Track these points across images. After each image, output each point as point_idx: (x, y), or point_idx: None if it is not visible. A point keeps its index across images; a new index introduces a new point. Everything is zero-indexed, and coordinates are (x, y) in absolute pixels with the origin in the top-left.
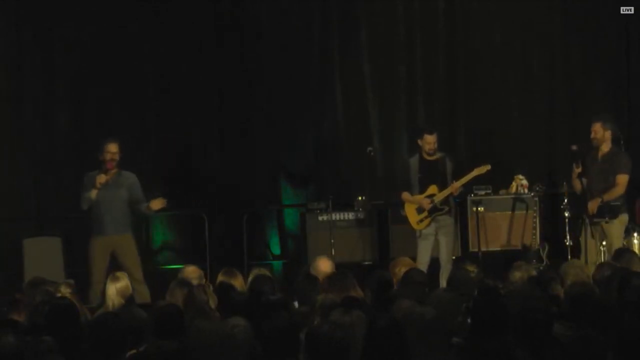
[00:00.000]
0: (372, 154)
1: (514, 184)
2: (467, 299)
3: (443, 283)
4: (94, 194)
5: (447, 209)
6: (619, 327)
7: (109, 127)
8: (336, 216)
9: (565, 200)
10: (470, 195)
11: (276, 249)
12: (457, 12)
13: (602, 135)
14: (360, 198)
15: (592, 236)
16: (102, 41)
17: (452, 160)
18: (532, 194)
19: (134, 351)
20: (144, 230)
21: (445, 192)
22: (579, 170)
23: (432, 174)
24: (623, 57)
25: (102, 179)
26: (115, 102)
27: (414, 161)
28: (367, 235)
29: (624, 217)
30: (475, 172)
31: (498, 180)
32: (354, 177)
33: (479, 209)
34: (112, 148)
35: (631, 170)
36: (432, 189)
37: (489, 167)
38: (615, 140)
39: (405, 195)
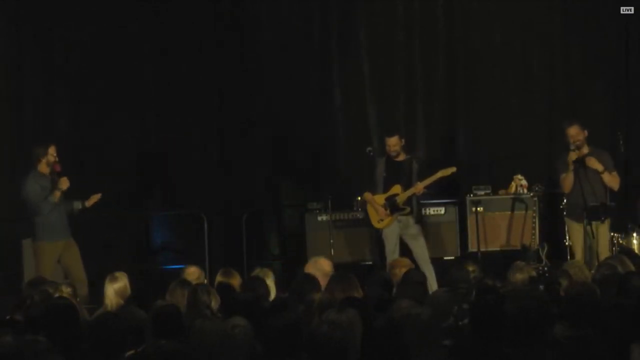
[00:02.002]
0: (371, 154)
1: (513, 184)
2: (466, 300)
3: (433, 286)
4: (57, 197)
5: (408, 209)
6: (618, 328)
7: (109, 127)
8: (335, 216)
9: (565, 200)
10: (470, 196)
11: (275, 249)
12: (456, 12)
13: (583, 136)
14: (359, 198)
15: (593, 236)
16: (102, 41)
17: (418, 162)
18: (532, 194)
19: (133, 351)
20: (144, 230)
21: (409, 192)
22: (572, 167)
23: (397, 174)
24: (623, 57)
25: (66, 182)
26: (115, 102)
27: (381, 161)
28: (366, 235)
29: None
30: (440, 174)
31: (497, 180)
32: (354, 177)
33: (479, 209)
34: (55, 151)
35: None
36: (396, 188)
37: (454, 169)
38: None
39: (367, 195)
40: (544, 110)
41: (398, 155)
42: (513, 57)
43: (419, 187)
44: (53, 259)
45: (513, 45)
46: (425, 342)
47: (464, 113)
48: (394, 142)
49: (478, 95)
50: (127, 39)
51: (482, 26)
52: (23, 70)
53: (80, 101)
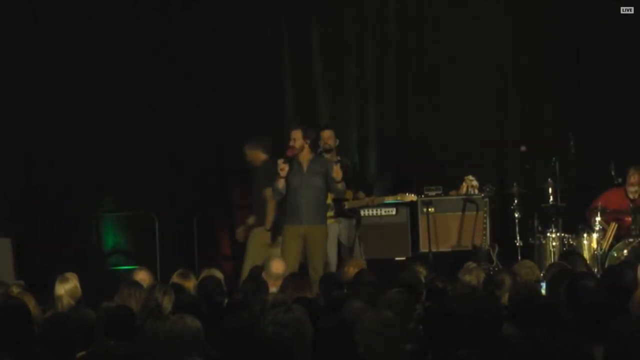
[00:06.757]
0: (321, 152)
1: (464, 184)
2: (418, 301)
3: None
4: (281, 184)
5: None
6: (568, 328)
7: (59, 127)
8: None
9: (516, 201)
10: (421, 196)
11: (226, 250)
12: (408, 12)
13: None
14: None
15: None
16: (54, 42)
17: (351, 167)
18: (483, 195)
19: (83, 352)
20: (95, 231)
21: (362, 202)
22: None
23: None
24: (574, 58)
25: (284, 168)
26: (65, 103)
27: None
28: None
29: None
30: (399, 197)
31: (448, 181)
32: None
33: (430, 209)
34: (292, 135)
35: None
36: (347, 194)
37: (414, 198)
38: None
39: None
40: (495, 111)
41: (329, 151)
42: (464, 58)
43: (376, 201)
44: (293, 242)
45: (464, 46)
46: (379, 344)
47: (415, 113)
48: (328, 135)
49: (429, 95)
50: (84, 39)
51: (433, 26)
52: None
53: (31, 102)
